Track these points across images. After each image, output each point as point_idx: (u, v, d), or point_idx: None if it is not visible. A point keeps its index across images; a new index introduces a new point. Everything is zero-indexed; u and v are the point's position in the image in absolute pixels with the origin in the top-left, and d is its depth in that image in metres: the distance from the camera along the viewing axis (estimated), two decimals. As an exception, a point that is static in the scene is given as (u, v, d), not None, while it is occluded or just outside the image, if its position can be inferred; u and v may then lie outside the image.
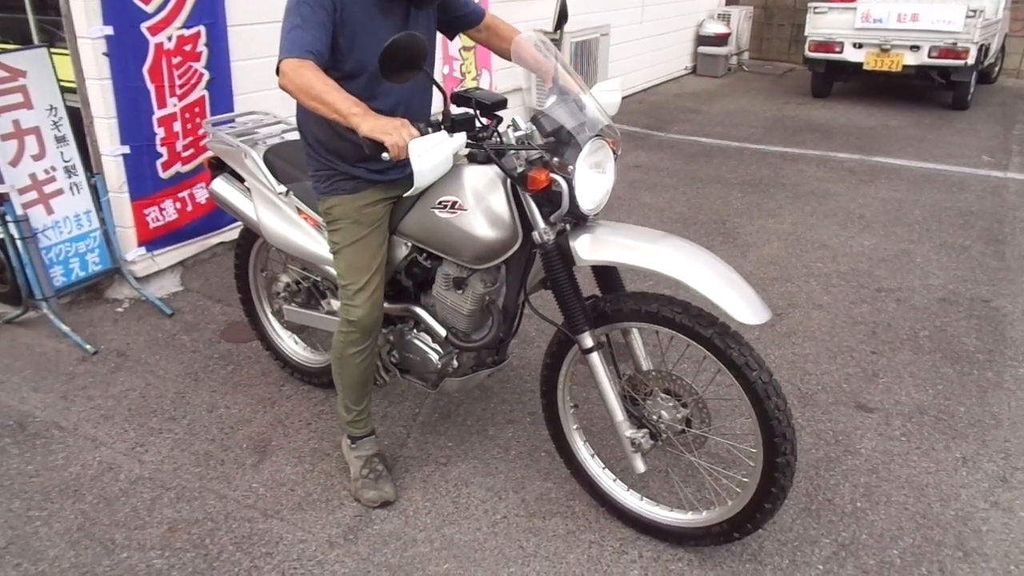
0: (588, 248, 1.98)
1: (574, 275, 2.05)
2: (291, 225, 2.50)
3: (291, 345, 3.00)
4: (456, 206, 2.07)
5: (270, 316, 3.02)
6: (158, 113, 3.50)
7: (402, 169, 2.16)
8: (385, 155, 1.80)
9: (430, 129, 1.87)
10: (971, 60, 7.37)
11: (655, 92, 8.77)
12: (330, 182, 2.22)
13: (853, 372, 3.08)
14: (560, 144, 1.94)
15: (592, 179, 1.97)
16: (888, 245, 4.34)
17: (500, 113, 2.09)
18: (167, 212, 3.72)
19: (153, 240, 3.70)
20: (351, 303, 2.20)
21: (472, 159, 2.05)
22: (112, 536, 2.21)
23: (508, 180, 2.01)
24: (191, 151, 3.72)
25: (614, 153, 2.04)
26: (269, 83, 3.98)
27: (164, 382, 2.99)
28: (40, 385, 2.95)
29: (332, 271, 2.40)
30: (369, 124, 1.81)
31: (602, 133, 1.98)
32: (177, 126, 3.61)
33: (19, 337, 3.29)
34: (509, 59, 2.30)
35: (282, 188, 2.51)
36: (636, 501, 2.25)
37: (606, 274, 2.19)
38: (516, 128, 2.01)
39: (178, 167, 3.69)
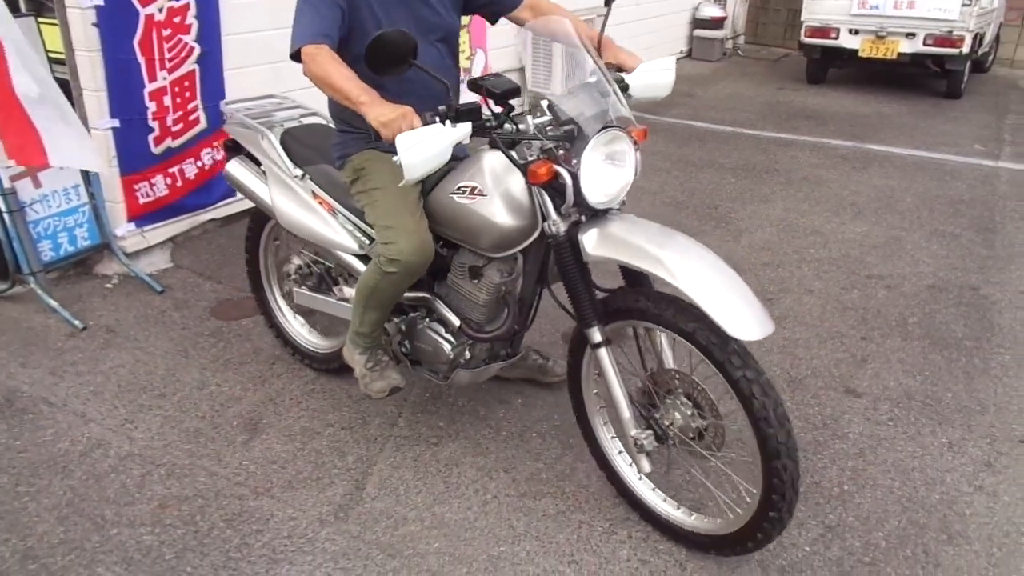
0: (594, 243, 1.93)
1: (585, 268, 2.01)
2: (306, 209, 2.44)
3: (299, 329, 2.94)
4: (475, 192, 2.04)
5: (279, 298, 2.97)
6: (149, 86, 3.46)
7: None
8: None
9: (436, 119, 1.83)
10: (966, 49, 7.37)
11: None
12: (363, 142, 2.20)
13: (842, 357, 3.10)
14: (575, 133, 1.91)
15: (604, 172, 1.90)
16: (879, 232, 4.35)
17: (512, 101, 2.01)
18: (157, 188, 3.68)
19: (143, 216, 3.66)
20: (393, 242, 2.08)
21: (494, 145, 1.99)
22: (102, 512, 2.21)
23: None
24: (181, 126, 3.67)
25: (635, 144, 1.96)
26: (262, 59, 3.97)
27: (154, 359, 2.97)
28: (28, 360, 2.93)
29: (346, 257, 2.41)
30: (374, 112, 1.84)
31: (618, 123, 1.91)
32: (168, 100, 3.56)
33: (6, 311, 3.26)
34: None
35: (298, 171, 2.47)
36: (661, 503, 2.19)
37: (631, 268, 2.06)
38: (539, 114, 1.96)
39: (169, 142, 3.65)
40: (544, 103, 1.98)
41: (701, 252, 1.87)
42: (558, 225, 1.96)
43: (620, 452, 2.26)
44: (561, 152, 1.91)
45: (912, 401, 2.83)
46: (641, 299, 1.96)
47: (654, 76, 2.10)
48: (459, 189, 2.08)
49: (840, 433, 2.64)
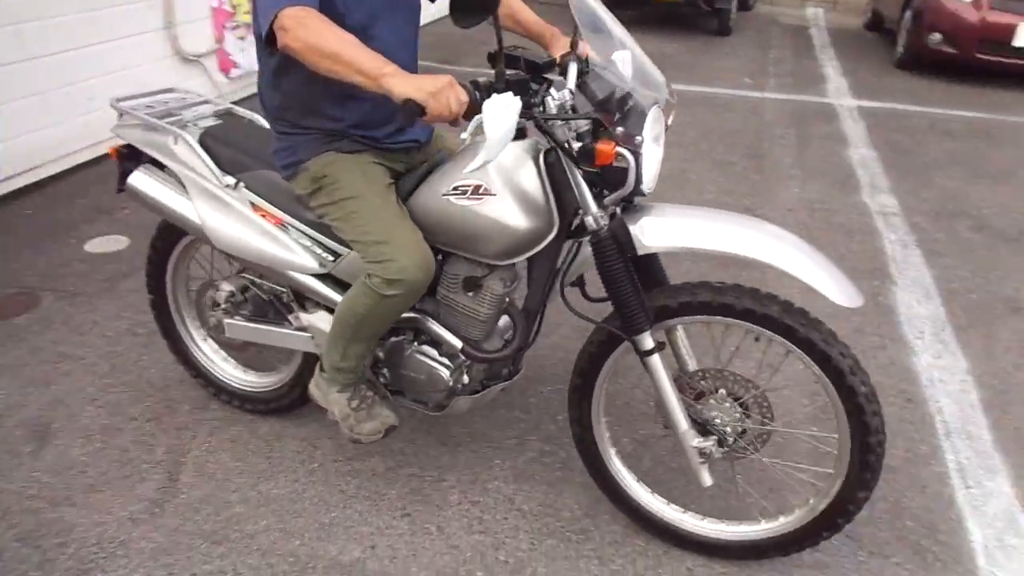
0: (655, 233, 1.71)
1: (631, 266, 1.77)
2: (246, 225, 2.04)
3: (228, 368, 2.50)
4: (481, 191, 1.76)
5: (194, 333, 2.51)
6: None
7: (400, 135, 1.93)
8: (419, 121, 1.54)
9: (478, 93, 1.58)
10: (732, -12, 7.97)
11: (445, 23, 8.66)
12: (318, 143, 1.89)
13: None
14: (617, 112, 1.67)
15: (653, 153, 1.71)
16: (668, 166, 4.65)
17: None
18: None
19: None
20: (391, 259, 1.75)
21: (539, 126, 1.71)
22: None
23: (540, 157, 1.76)
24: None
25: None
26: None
27: (-90, 375, 2.61)
28: None
29: (303, 279, 2.03)
30: (408, 84, 1.51)
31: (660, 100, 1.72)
32: None
33: None
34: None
35: (230, 179, 2.06)
36: (697, 521, 2.00)
37: (648, 265, 1.87)
38: (555, 92, 1.69)
39: None
40: (574, 74, 1.74)
41: (776, 229, 1.75)
42: (601, 219, 1.72)
43: (637, 481, 2.07)
44: (620, 131, 1.65)
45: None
46: (700, 292, 1.75)
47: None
48: (456, 189, 1.79)
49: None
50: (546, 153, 1.77)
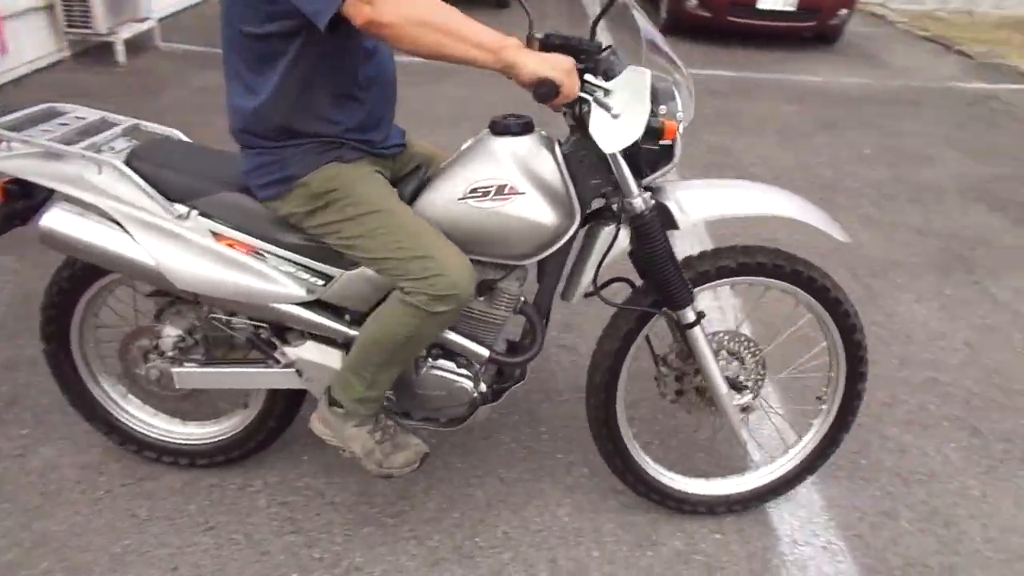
0: (693, 206, 1.77)
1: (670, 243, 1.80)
2: (212, 258, 1.76)
3: (158, 424, 2.17)
4: (507, 190, 1.68)
5: (110, 391, 2.14)
6: None
7: (388, 140, 1.80)
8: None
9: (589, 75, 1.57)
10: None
11: (211, 3, 8.12)
12: (314, 155, 1.68)
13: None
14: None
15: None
16: (457, 140, 4.67)
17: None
18: None
19: None
20: (440, 274, 1.61)
21: (495, 129, 1.72)
22: None
23: (556, 147, 1.72)
24: None
25: None
26: None
27: None
28: None
29: (285, 308, 1.80)
30: (539, 60, 1.45)
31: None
32: None
33: None
34: None
35: (181, 208, 1.77)
36: (704, 484, 2.11)
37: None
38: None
39: None
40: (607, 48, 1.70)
41: (775, 188, 1.92)
42: (644, 199, 1.72)
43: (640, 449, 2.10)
44: (662, 107, 1.66)
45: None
46: (736, 255, 1.87)
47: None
48: (476, 192, 1.69)
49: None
50: (561, 144, 1.75)
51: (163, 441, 2.16)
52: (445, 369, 1.88)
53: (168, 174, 1.80)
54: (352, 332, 1.83)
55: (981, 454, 2.38)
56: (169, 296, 1.97)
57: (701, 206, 1.80)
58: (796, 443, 2.12)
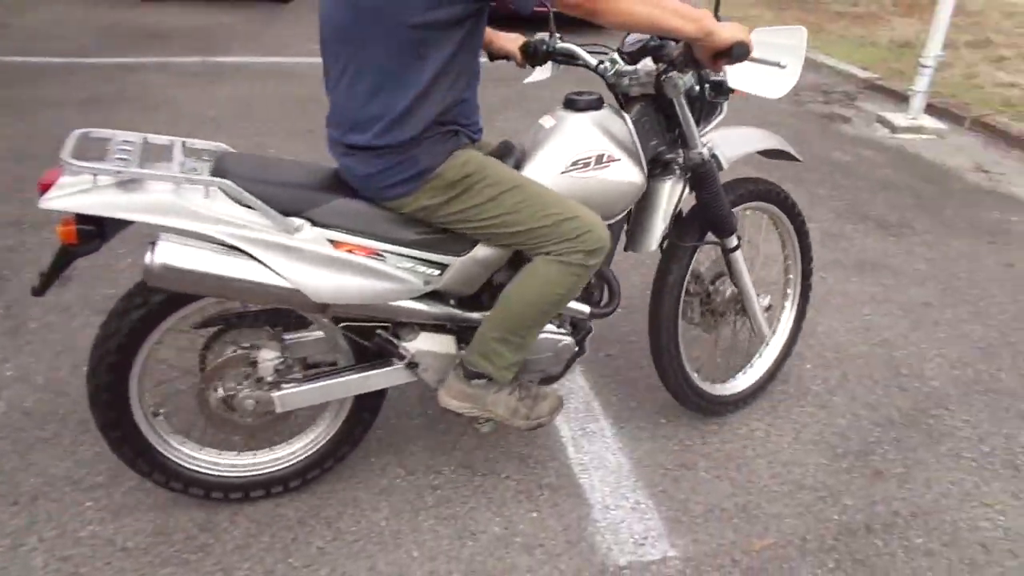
0: (727, 149, 2.15)
1: None
2: (337, 267, 1.73)
3: (204, 457, 2.01)
4: (605, 158, 1.90)
5: (170, 440, 1.97)
6: None
7: (479, 123, 1.84)
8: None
9: None
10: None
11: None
12: (441, 145, 1.71)
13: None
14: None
15: None
16: (242, 142, 4.43)
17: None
18: None
19: None
20: (588, 230, 1.78)
21: (576, 106, 1.92)
22: None
23: (625, 116, 1.97)
24: None
25: None
26: None
27: None
28: None
29: (405, 304, 1.84)
30: (728, 26, 1.66)
31: None
32: None
33: None
34: None
35: (297, 221, 1.71)
36: (728, 385, 2.54)
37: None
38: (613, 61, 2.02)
39: None
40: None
41: (762, 129, 2.38)
42: (708, 148, 2.06)
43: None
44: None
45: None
46: (742, 185, 2.26)
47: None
48: (577, 163, 1.88)
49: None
50: (631, 111, 1.99)
51: (232, 478, 2.04)
52: (548, 331, 2.02)
53: (270, 189, 1.72)
54: (469, 315, 1.93)
55: (763, 397, 2.60)
56: (219, 324, 1.91)
57: (731, 148, 2.17)
58: (777, 332, 2.64)
